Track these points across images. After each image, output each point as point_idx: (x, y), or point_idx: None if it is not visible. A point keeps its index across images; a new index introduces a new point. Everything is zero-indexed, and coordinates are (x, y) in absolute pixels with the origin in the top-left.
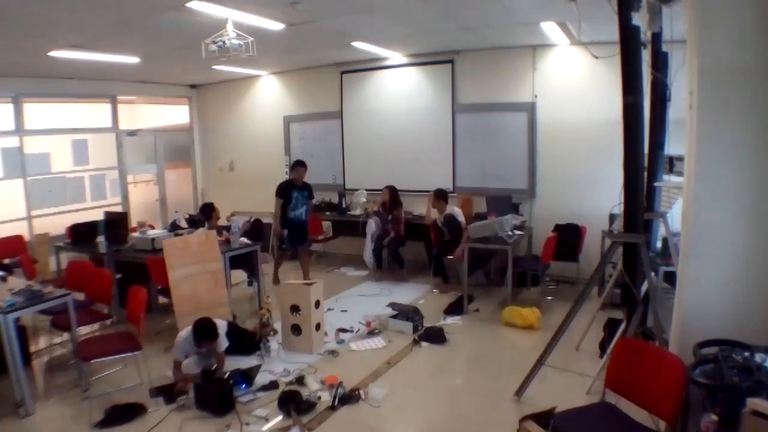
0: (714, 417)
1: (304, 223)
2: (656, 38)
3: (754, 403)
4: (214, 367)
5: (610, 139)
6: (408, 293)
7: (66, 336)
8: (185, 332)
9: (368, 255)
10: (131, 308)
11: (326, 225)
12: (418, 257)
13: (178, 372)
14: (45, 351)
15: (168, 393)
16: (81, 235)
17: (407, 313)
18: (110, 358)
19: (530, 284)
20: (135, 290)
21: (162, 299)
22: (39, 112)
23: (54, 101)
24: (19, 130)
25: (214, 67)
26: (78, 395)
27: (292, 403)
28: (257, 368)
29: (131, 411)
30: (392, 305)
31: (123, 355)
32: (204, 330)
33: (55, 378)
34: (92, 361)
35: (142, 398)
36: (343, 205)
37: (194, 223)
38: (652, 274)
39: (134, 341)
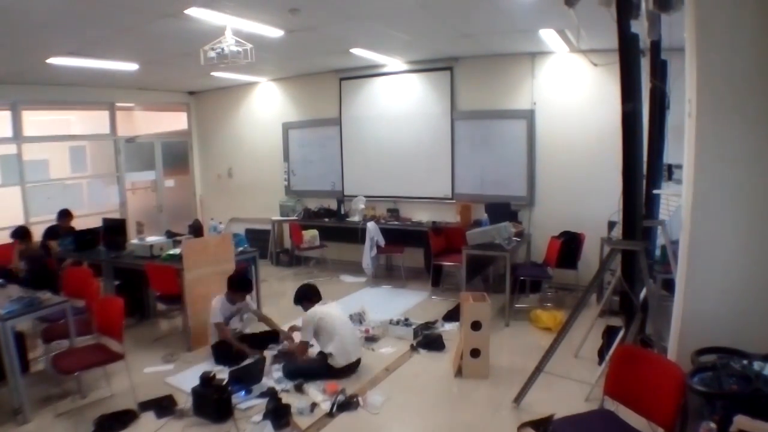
0: (712, 425)
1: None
2: (655, 46)
3: (742, 422)
4: (212, 374)
5: (609, 146)
6: (406, 299)
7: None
8: (217, 298)
9: (367, 262)
10: (108, 319)
11: (311, 234)
12: (417, 264)
13: (225, 332)
14: (43, 358)
15: (158, 406)
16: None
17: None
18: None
19: (529, 291)
20: (109, 301)
21: (160, 306)
22: (37, 120)
23: (52, 108)
24: (17, 137)
25: (212, 73)
26: (76, 402)
27: (274, 417)
28: (261, 362)
29: (124, 418)
30: None
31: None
32: (240, 281)
33: (53, 385)
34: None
35: (133, 405)
36: (342, 212)
37: (195, 230)
38: (651, 281)
39: (110, 352)
